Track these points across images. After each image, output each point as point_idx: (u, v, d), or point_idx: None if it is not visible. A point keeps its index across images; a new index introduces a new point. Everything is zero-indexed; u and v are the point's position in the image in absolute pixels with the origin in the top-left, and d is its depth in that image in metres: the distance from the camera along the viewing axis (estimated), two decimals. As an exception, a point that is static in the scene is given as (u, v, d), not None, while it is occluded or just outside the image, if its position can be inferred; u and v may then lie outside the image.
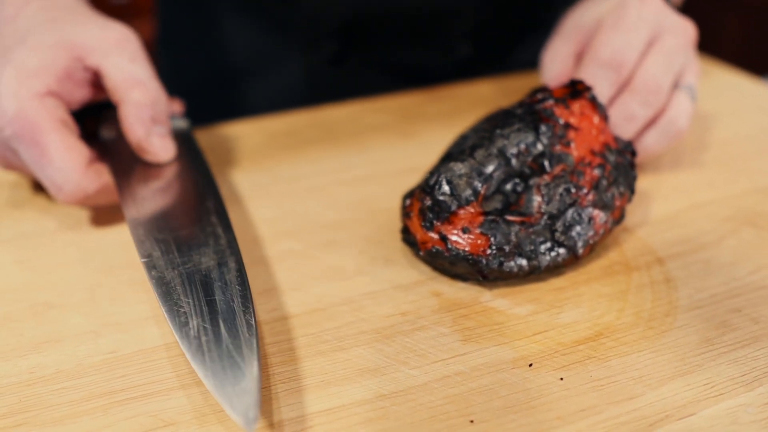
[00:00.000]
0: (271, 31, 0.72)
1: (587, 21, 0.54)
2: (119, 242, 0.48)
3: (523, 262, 0.42)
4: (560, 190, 0.44)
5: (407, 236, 0.44)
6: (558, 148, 0.44)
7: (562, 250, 0.43)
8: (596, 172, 0.44)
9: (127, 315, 0.42)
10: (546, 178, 0.44)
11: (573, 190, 0.44)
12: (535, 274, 0.43)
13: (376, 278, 0.44)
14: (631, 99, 0.50)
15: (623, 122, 0.50)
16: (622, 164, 0.46)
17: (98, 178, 0.46)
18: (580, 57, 0.54)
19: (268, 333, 0.40)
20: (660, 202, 0.52)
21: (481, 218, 0.43)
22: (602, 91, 0.50)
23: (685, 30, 0.52)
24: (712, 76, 0.71)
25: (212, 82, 0.75)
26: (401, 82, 0.70)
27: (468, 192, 0.43)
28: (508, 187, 0.43)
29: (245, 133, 0.61)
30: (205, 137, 0.61)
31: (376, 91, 0.67)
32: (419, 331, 0.40)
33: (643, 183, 0.54)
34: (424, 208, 0.43)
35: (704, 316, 0.41)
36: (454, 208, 0.43)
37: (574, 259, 0.43)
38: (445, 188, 0.43)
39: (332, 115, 0.64)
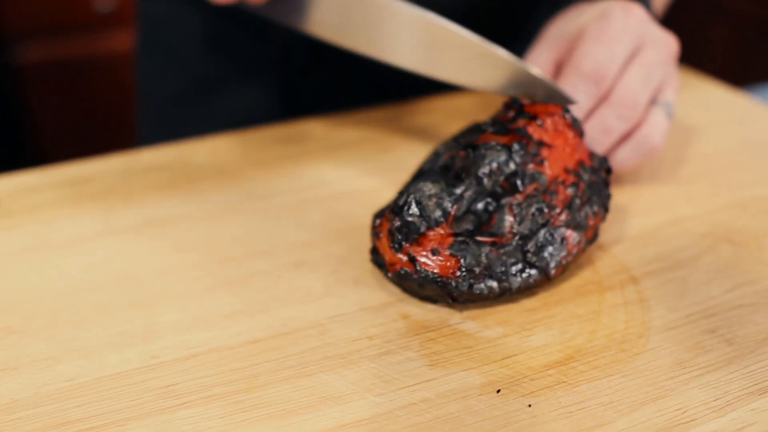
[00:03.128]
0: (245, 42, 0.71)
1: (569, 30, 0.53)
2: (83, 264, 0.47)
3: (494, 284, 0.41)
4: (533, 209, 0.43)
5: (376, 257, 0.43)
6: (531, 167, 0.43)
7: (533, 271, 0.42)
8: (569, 191, 0.44)
9: (88, 340, 0.41)
10: (518, 197, 0.43)
11: (546, 210, 0.43)
12: (507, 295, 0.42)
13: (345, 300, 0.43)
14: (609, 112, 0.49)
15: (599, 135, 0.49)
16: (596, 182, 0.45)
17: None
18: (560, 66, 0.53)
19: (231, 359, 0.39)
20: (637, 217, 0.51)
21: (451, 239, 0.42)
22: (581, 103, 0.49)
23: (667, 44, 0.51)
24: (693, 87, 0.70)
25: (189, 93, 0.74)
26: (378, 95, 0.70)
27: (438, 213, 0.42)
28: (480, 206, 0.42)
29: (217, 148, 0.60)
30: (176, 152, 0.60)
31: (352, 105, 0.67)
32: (386, 355, 0.39)
33: (620, 197, 0.53)
34: (393, 229, 0.42)
35: (678, 338, 0.40)
36: (423, 229, 0.42)
37: (546, 280, 0.42)
38: (414, 209, 0.42)
39: (306, 129, 0.63)
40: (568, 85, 0.49)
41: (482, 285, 0.41)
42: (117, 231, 0.51)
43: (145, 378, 0.38)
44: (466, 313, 0.42)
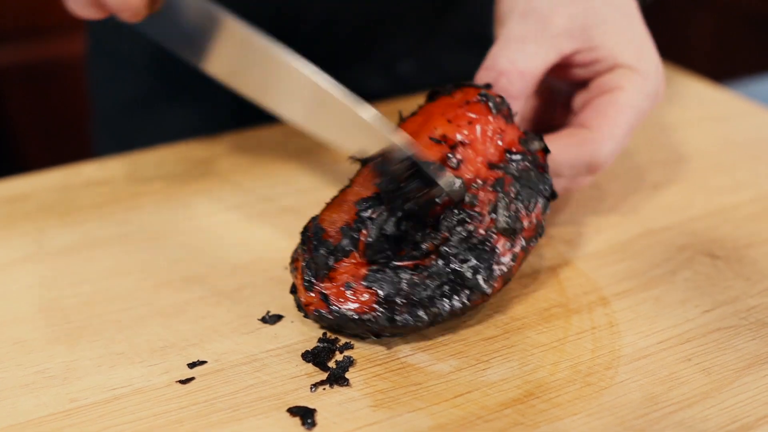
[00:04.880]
0: None
1: (605, 41, 0.44)
2: (6, 292, 0.43)
3: (420, 312, 0.36)
4: (453, 222, 0.38)
5: (296, 297, 0.39)
6: (445, 173, 0.38)
7: (465, 292, 0.37)
8: (493, 191, 0.38)
9: (2, 381, 0.37)
10: (437, 211, 0.38)
11: (468, 220, 0.38)
12: (440, 322, 0.37)
13: (285, 330, 0.39)
14: (587, 180, 0.45)
15: (567, 181, 0.44)
16: (527, 170, 0.40)
17: None
18: (566, 64, 0.45)
19: (156, 401, 0.35)
20: (610, 229, 0.47)
21: (365, 270, 0.37)
22: (563, 175, 0.43)
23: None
24: (670, 82, 0.66)
25: (139, 102, 0.71)
26: None
27: (345, 241, 0.38)
28: (391, 229, 0.38)
29: (164, 160, 0.56)
30: (120, 165, 0.56)
31: None
32: (325, 395, 0.35)
33: (592, 208, 0.49)
34: (304, 266, 0.38)
35: (649, 368, 0.36)
36: (332, 262, 0.38)
37: (485, 297, 0.38)
38: (320, 240, 0.38)
39: (259, 138, 0.59)
40: (568, 155, 0.42)
41: (406, 316, 0.36)
42: (48, 254, 0.47)
43: (60, 426, 0.34)
44: (416, 344, 0.38)
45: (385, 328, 0.37)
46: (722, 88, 0.66)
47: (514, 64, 0.43)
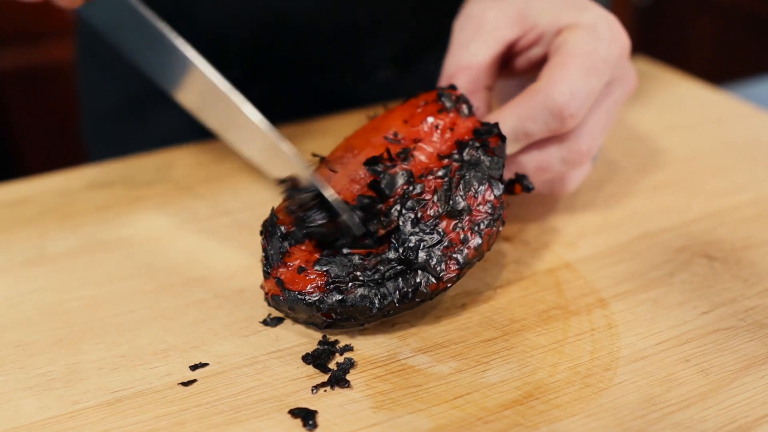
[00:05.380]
0: None
1: (543, 17, 0.46)
2: (8, 296, 0.43)
3: (369, 293, 0.37)
4: (402, 209, 0.39)
5: (264, 290, 0.40)
6: (395, 169, 0.41)
7: (416, 276, 0.37)
8: (440, 179, 0.40)
9: (5, 384, 0.37)
10: (389, 203, 0.40)
11: (415, 206, 0.39)
12: (393, 309, 0.38)
13: (286, 333, 0.40)
14: (556, 153, 0.44)
15: (534, 169, 0.45)
16: (476, 157, 0.40)
17: None
18: (513, 50, 0.47)
19: (158, 403, 0.36)
20: (608, 232, 0.47)
21: (317, 256, 0.39)
22: (533, 133, 0.43)
23: (631, 81, 0.47)
24: (667, 85, 0.67)
25: (128, 106, 0.71)
26: (318, 108, 0.66)
27: (298, 229, 0.39)
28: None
29: (166, 163, 0.57)
30: (121, 168, 0.56)
31: (291, 118, 0.63)
32: (326, 397, 0.36)
33: (590, 212, 0.49)
34: (263, 254, 0.40)
35: (648, 369, 0.37)
36: (286, 247, 0.39)
37: (440, 283, 0.38)
38: (277, 226, 0.40)
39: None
40: (526, 109, 0.42)
41: (355, 297, 0.37)
42: (49, 258, 0.47)
43: (62, 428, 0.35)
44: (417, 346, 0.38)
45: (333, 308, 0.37)
46: (721, 90, 0.66)
47: (459, 62, 0.46)
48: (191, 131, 0.61)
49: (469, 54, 0.46)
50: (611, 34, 0.44)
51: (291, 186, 0.41)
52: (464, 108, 0.43)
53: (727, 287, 0.42)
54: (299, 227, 0.40)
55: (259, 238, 0.46)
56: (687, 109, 0.63)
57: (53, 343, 0.40)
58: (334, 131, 0.60)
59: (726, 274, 0.43)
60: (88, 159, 0.77)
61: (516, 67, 0.49)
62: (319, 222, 0.39)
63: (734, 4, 1.53)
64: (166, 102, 0.69)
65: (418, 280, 0.38)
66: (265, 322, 0.40)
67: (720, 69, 1.50)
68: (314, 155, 0.43)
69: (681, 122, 0.61)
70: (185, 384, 0.37)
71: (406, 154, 0.41)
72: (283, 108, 0.66)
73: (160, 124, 0.70)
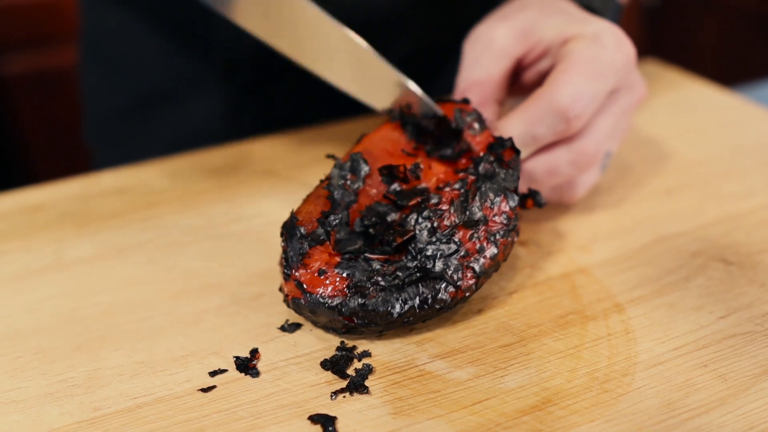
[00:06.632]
0: (190, 57, 0.67)
1: (548, 32, 0.47)
2: (28, 302, 0.44)
3: (390, 298, 0.38)
4: (420, 219, 0.40)
5: (283, 292, 0.40)
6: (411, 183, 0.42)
7: (434, 284, 0.38)
8: (457, 191, 0.41)
9: (27, 391, 0.38)
10: (406, 211, 0.41)
11: (432, 216, 0.40)
12: (413, 316, 0.38)
13: (304, 339, 0.40)
14: (564, 156, 0.45)
15: (543, 173, 0.45)
16: (491, 170, 0.41)
17: None
18: (521, 65, 0.49)
19: (178, 409, 0.36)
20: (623, 236, 0.48)
21: (338, 259, 0.39)
22: (541, 137, 0.44)
23: (639, 90, 0.48)
24: (679, 88, 0.67)
25: (133, 108, 0.71)
26: (332, 111, 0.66)
27: (320, 231, 0.40)
28: (358, 226, 0.40)
29: (181, 170, 0.57)
30: (137, 174, 0.57)
31: (302, 122, 0.63)
32: (345, 403, 0.36)
33: (604, 216, 0.49)
34: (283, 257, 0.40)
35: (666, 375, 0.37)
36: (306, 248, 0.39)
37: (458, 292, 0.38)
38: (298, 227, 0.40)
39: (273, 145, 0.60)
40: (532, 113, 0.44)
41: (376, 301, 0.38)
42: (68, 264, 0.47)
43: (84, 434, 0.35)
44: (435, 352, 0.39)
45: (355, 312, 0.38)
46: (731, 92, 0.66)
47: (471, 78, 0.47)
48: (195, 132, 0.62)
49: (479, 70, 0.47)
50: (615, 43, 0.45)
51: (403, 112, 0.44)
52: (475, 125, 0.44)
53: (743, 291, 0.42)
54: (411, 126, 0.43)
55: (275, 244, 0.46)
56: (698, 111, 0.63)
57: (73, 349, 0.40)
58: (348, 135, 0.60)
59: (742, 278, 0.43)
60: (92, 161, 0.77)
61: (526, 81, 0.50)
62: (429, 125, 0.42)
63: (741, 5, 1.53)
64: (172, 103, 0.70)
65: (437, 286, 0.38)
66: (282, 328, 0.41)
67: (728, 71, 1.50)
68: (329, 156, 0.43)
69: (692, 125, 0.61)
70: (205, 390, 0.37)
71: (420, 172, 0.42)
72: (297, 111, 0.66)
73: (166, 125, 0.70)
